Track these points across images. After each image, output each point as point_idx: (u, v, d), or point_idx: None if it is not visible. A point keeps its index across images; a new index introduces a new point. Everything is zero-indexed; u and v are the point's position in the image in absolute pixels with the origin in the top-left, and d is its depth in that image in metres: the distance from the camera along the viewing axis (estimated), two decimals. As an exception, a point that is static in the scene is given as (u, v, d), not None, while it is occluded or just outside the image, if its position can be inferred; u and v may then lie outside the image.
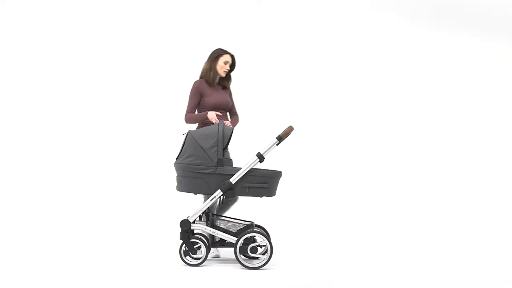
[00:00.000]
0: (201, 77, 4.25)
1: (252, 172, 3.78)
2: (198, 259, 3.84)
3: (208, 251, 3.85)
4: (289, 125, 3.93)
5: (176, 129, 5.81)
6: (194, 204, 4.04)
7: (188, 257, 3.84)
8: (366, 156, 5.98)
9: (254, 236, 3.78)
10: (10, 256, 4.10)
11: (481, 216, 5.68)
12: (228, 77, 4.30)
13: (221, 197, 3.92)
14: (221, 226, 3.90)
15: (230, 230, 3.87)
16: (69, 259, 4.01)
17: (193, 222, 3.86)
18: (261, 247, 3.80)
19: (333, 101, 6.09)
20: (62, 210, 5.37)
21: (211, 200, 3.86)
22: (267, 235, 3.90)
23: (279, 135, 3.89)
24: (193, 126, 4.22)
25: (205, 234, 3.98)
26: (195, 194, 3.94)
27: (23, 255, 4.12)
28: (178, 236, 3.86)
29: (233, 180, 3.89)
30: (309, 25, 6.23)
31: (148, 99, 5.93)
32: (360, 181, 5.88)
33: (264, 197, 3.83)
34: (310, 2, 6.24)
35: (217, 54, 4.19)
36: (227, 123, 4.04)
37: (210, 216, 3.93)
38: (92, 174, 5.68)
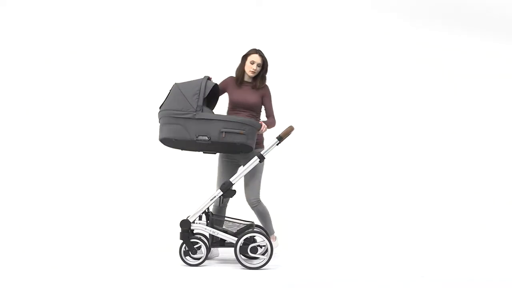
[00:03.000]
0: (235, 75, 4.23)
1: (229, 118, 3.80)
2: (198, 259, 3.84)
3: (208, 251, 3.86)
4: (289, 125, 3.93)
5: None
6: (194, 204, 4.04)
7: (188, 257, 3.84)
8: (366, 156, 5.98)
9: (254, 236, 3.79)
10: (10, 256, 4.10)
11: (480, 216, 5.68)
12: (260, 78, 4.17)
13: (221, 197, 3.92)
14: (221, 226, 3.90)
15: (230, 230, 3.88)
16: (69, 259, 4.01)
17: (193, 222, 3.86)
18: (261, 247, 3.80)
19: (333, 101, 6.09)
20: (62, 210, 5.37)
21: (211, 200, 3.87)
22: (267, 235, 3.90)
23: (279, 135, 3.90)
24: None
25: (205, 234, 3.99)
26: (175, 145, 3.91)
27: (23, 255, 4.12)
28: (178, 236, 3.86)
29: (233, 179, 3.89)
30: (309, 25, 6.23)
31: (148, 99, 5.92)
32: (360, 181, 5.87)
33: (242, 152, 3.88)
34: (310, 2, 6.24)
35: (246, 53, 4.14)
36: (263, 128, 3.96)
37: (210, 216, 3.93)
38: (92, 174, 5.68)
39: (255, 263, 3.78)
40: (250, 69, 4.10)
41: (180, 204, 4.72)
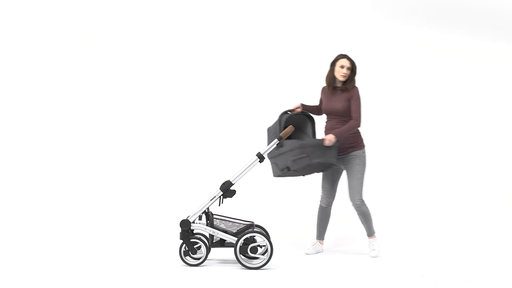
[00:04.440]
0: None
1: (291, 147, 3.94)
2: (198, 259, 3.84)
3: (208, 251, 3.86)
4: (289, 125, 3.94)
5: (176, 129, 5.84)
6: (194, 204, 4.04)
7: (188, 257, 3.85)
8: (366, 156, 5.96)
9: (254, 236, 3.79)
10: (10, 256, 4.10)
11: (480, 216, 5.67)
12: (350, 80, 4.25)
13: (221, 197, 3.93)
14: (221, 226, 3.90)
15: (230, 230, 3.88)
16: (69, 259, 4.01)
17: (193, 222, 3.86)
18: (261, 247, 3.81)
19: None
20: (62, 211, 5.37)
21: (211, 200, 3.87)
22: (267, 235, 3.90)
23: (279, 135, 3.90)
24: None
25: (205, 234, 3.99)
26: (278, 176, 4.20)
27: (23, 256, 4.12)
28: (178, 236, 3.86)
29: (233, 179, 3.90)
30: (309, 25, 6.23)
31: (148, 99, 5.93)
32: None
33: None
34: (311, 3, 6.24)
35: (334, 59, 4.26)
36: (326, 141, 4.02)
37: (210, 216, 3.93)
38: (92, 174, 5.68)
39: (255, 263, 3.78)
40: (341, 73, 4.20)
41: (180, 204, 4.72)
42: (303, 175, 4.27)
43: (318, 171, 4.30)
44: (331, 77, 4.27)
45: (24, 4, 5.91)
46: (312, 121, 4.25)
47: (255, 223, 4.08)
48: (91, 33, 5.95)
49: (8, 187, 5.49)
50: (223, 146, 5.72)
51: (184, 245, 3.84)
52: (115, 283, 3.35)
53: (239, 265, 3.77)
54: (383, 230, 5.23)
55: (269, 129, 4.21)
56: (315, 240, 4.47)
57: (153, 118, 5.87)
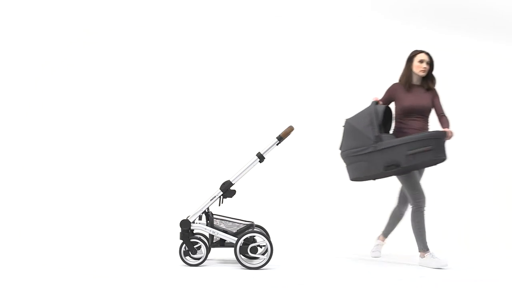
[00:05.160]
0: (399, 81, 4.15)
1: (411, 139, 3.65)
2: (198, 259, 3.84)
3: (208, 251, 3.86)
4: (289, 125, 3.94)
5: (176, 130, 5.84)
6: (194, 204, 4.04)
7: (188, 257, 3.85)
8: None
9: (254, 236, 3.79)
10: (10, 256, 4.10)
11: (480, 215, 5.68)
12: (431, 78, 4.10)
13: (221, 197, 3.92)
14: (221, 226, 3.90)
15: (230, 230, 3.88)
16: (69, 259, 4.01)
17: (193, 222, 3.86)
18: (261, 247, 3.81)
19: (333, 101, 6.09)
20: (63, 211, 5.37)
21: (211, 200, 3.87)
22: (267, 235, 3.90)
23: (279, 135, 3.90)
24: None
25: (205, 234, 3.99)
26: (365, 179, 3.90)
27: (23, 256, 4.12)
28: (178, 236, 3.86)
29: (233, 179, 3.89)
30: (309, 25, 6.23)
31: (148, 99, 5.93)
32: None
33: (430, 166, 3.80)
34: (311, 3, 6.24)
35: (411, 55, 4.10)
36: (450, 134, 3.80)
37: (210, 216, 3.93)
38: (92, 174, 5.68)
39: (255, 263, 3.78)
40: (421, 68, 4.03)
41: (180, 204, 4.72)
42: (389, 176, 3.94)
43: (418, 169, 3.94)
44: (408, 74, 4.08)
45: (24, 4, 5.91)
46: (391, 117, 4.03)
47: (255, 223, 4.09)
48: (91, 33, 5.95)
49: (8, 187, 5.49)
50: (223, 146, 5.72)
51: (184, 245, 3.84)
52: (115, 283, 3.35)
53: (239, 265, 3.77)
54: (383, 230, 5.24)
55: (351, 121, 3.83)
56: (380, 239, 4.38)
57: (153, 119, 5.87)
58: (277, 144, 3.92)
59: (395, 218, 4.33)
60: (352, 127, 3.82)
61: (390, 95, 4.09)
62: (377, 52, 6.27)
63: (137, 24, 6.04)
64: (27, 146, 5.71)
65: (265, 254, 3.77)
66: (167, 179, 5.63)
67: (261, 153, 3.93)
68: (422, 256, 3.98)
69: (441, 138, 3.70)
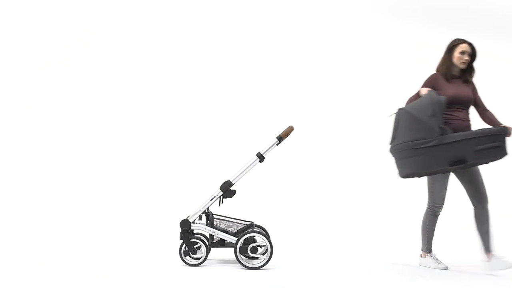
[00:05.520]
0: (437, 71, 3.88)
1: (478, 133, 3.38)
2: (198, 259, 3.84)
3: (208, 251, 3.86)
4: (289, 125, 3.94)
5: (176, 130, 5.84)
6: (194, 204, 4.04)
7: (188, 257, 3.84)
8: (366, 156, 5.98)
9: (254, 236, 3.79)
10: (10, 256, 4.10)
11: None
12: (470, 70, 3.86)
13: (221, 197, 3.92)
14: (221, 226, 3.90)
15: (230, 230, 3.88)
16: (69, 259, 4.01)
17: (193, 222, 3.86)
18: (261, 247, 3.80)
19: (333, 101, 6.10)
20: (63, 211, 5.37)
21: (211, 200, 3.87)
22: (267, 235, 3.90)
23: (279, 135, 3.90)
24: None
25: (205, 234, 3.99)
26: (421, 175, 3.60)
27: (23, 256, 4.12)
28: (178, 236, 3.86)
29: (233, 179, 3.89)
30: (309, 25, 6.23)
31: (148, 99, 5.93)
32: (360, 181, 5.87)
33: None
34: (311, 3, 6.24)
35: (452, 44, 3.87)
36: (510, 127, 3.56)
37: (210, 216, 3.93)
38: (92, 174, 5.68)
39: (255, 263, 3.78)
40: (462, 60, 3.79)
41: (180, 204, 4.72)
42: (444, 172, 3.62)
43: (474, 166, 3.64)
44: (448, 64, 3.83)
45: (24, 4, 5.91)
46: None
47: (255, 223, 4.09)
48: (91, 33, 5.95)
49: (8, 187, 5.49)
50: (223, 146, 5.72)
51: (184, 245, 3.83)
52: (115, 283, 3.34)
53: (239, 265, 3.77)
54: (383, 230, 5.24)
55: (410, 109, 3.49)
56: (487, 256, 3.80)
57: (153, 118, 5.87)
58: (277, 144, 3.91)
59: (481, 222, 3.88)
60: (411, 117, 3.46)
61: (432, 85, 3.77)
62: (377, 52, 6.27)
63: (137, 24, 6.05)
64: (27, 146, 5.71)
65: (265, 254, 3.77)
66: (167, 179, 5.63)
67: (261, 153, 3.92)
68: (423, 256, 3.98)
69: (506, 134, 3.46)
